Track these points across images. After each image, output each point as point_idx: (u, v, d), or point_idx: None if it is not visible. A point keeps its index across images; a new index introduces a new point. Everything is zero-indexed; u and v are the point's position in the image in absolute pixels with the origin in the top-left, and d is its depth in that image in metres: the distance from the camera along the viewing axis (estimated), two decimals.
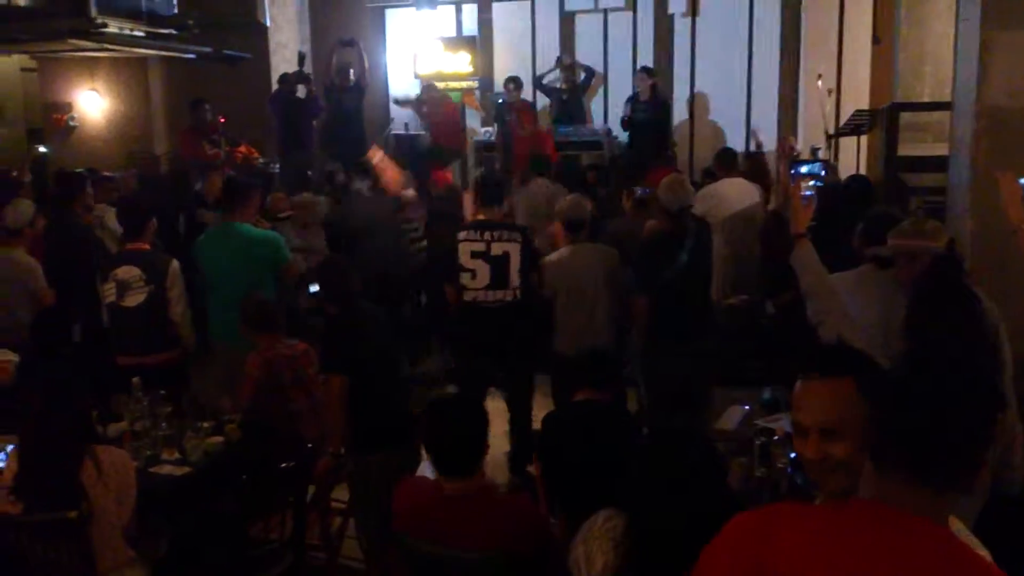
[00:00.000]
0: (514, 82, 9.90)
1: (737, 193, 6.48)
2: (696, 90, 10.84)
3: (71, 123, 10.30)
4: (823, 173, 5.84)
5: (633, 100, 9.73)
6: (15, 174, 8.79)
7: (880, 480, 1.59)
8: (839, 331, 3.03)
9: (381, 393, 4.19)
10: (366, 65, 10.35)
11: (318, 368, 4.48)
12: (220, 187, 6.37)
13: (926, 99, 8.31)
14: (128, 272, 5.01)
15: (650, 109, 9.57)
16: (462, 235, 5.18)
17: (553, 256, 5.27)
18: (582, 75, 10.49)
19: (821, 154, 8.75)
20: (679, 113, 10.86)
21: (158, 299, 4.98)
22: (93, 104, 10.76)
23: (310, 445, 4.16)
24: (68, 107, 10.63)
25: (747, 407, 4.18)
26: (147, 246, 5.16)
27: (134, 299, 4.99)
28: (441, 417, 3.09)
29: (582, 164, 9.37)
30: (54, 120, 10.58)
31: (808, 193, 3.39)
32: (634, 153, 9.59)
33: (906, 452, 1.55)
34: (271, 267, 5.26)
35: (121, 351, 5.02)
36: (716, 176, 6.86)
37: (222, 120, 9.18)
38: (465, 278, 5.13)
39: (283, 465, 3.97)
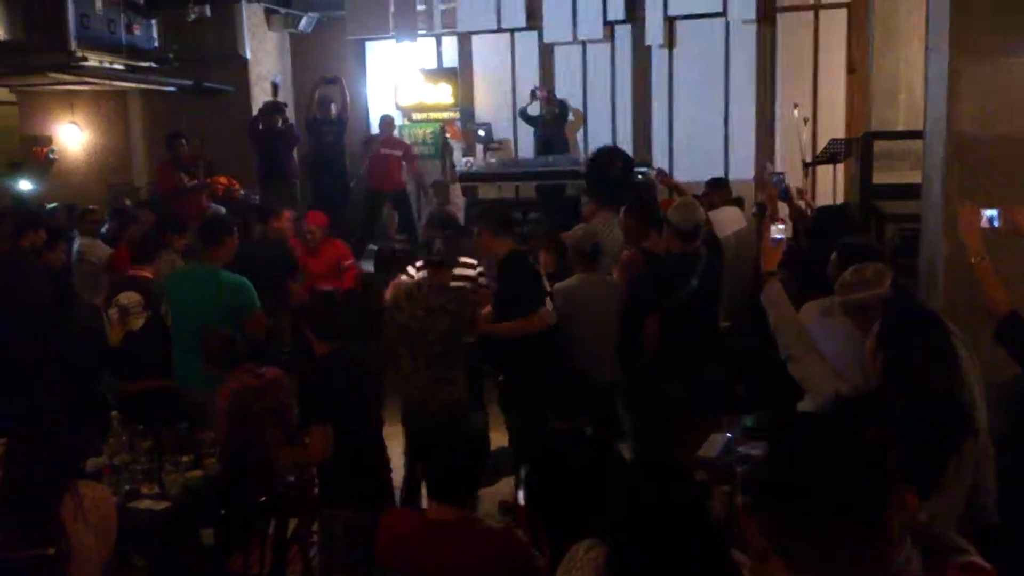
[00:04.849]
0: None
1: (731, 219, 6.55)
2: (674, 120, 10.96)
3: (51, 156, 10.28)
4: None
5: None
6: None
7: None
8: (806, 365, 3.10)
9: (358, 445, 3.95)
10: (348, 100, 10.43)
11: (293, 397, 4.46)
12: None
13: (900, 127, 8.41)
14: (129, 298, 5.22)
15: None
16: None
17: (562, 284, 5.25)
18: (557, 110, 10.62)
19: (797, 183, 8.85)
20: (659, 142, 10.96)
21: (155, 325, 5.11)
22: (73, 137, 10.74)
23: (292, 478, 4.13)
24: (48, 140, 10.61)
25: (729, 434, 4.19)
26: (151, 275, 5.26)
27: (134, 324, 5.19)
28: (444, 441, 3.08)
29: (566, 193, 9.45)
30: (34, 153, 10.54)
31: (779, 237, 3.44)
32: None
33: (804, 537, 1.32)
34: (237, 315, 4.94)
35: (123, 376, 5.15)
36: (710, 203, 6.89)
37: (197, 143, 9.19)
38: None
39: (263, 499, 3.94)
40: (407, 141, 11.06)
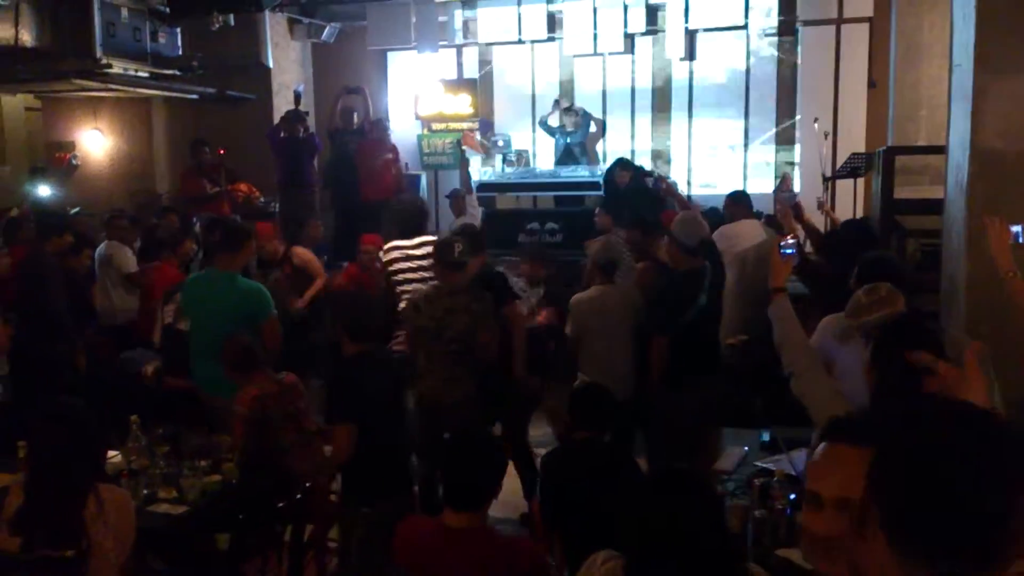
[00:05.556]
0: None
1: (750, 233, 6.52)
2: (693, 133, 10.95)
3: (74, 162, 10.35)
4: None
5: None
6: (15, 212, 8.84)
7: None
8: (808, 382, 3.08)
9: (382, 444, 4.00)
10: (371, 110, 10.49)
11: (309, 403, 4.49)
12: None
13: (921, 142, 8.37)
14: None
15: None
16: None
17: (582, 295, 5.29)
18: (580, 120, 10.62)
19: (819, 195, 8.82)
20: (678, 155, 10.95)
21: None
22: (96, 143, 10.83)
23: (308, 484, 4.14)
24: (71, 146, 10.70)
25: (745, 448, 4.17)
26: None
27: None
28: (460, 448, 3.11)
29: (584, 204, 9.45)
30: (57, 159, 10.62)
31: (789, 251, 3.43)
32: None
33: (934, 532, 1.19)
34: (254, 322, 4.92)
35: (170, 372, 5.28)
36: (731, 217, 6.85)
37: (221, 152, 9.28)
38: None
39: (280, 504, 3.95)
40: (426, 151, 11.11)
